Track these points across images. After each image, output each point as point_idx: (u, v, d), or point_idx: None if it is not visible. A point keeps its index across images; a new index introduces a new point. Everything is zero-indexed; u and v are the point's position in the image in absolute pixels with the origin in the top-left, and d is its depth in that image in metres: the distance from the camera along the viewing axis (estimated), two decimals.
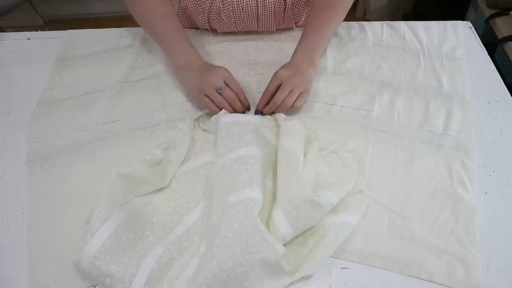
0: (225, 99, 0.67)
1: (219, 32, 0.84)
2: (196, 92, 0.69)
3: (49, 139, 0.67)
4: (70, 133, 0.68)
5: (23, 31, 0.88)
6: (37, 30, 0.89)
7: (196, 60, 0.72)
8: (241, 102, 0.69)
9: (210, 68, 0.70)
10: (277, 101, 0.66)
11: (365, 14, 2.24)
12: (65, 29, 0.88)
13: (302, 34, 0.74)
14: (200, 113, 0.69)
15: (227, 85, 0.68)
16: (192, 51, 0.72)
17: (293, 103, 0.67)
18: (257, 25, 0.82)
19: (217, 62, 0.79)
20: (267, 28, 0.83)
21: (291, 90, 0.66)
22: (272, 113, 0.69)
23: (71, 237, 0.55)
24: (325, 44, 0.75)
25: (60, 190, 0.61)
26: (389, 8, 2.11)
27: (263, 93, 0.69)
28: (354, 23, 0.87)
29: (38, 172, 0.63)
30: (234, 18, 0.79)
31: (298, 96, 0.67)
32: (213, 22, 0.81)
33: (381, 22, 0.87)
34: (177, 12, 0.84)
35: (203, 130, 0.68)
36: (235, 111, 0.68)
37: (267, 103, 0.68)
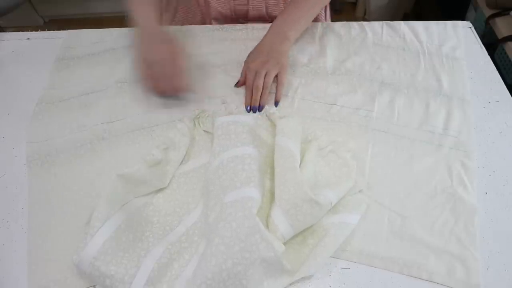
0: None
1: (211, 5, 0.85)
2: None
3: (49, 139, 0.67)
4: (70, 133, 0.68)
5: (23, 31, 0.88)
6: (37, 30, 0.89)
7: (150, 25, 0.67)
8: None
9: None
10: (258, 85, 0.68)
11: (365, 14, 2.24)
12: (65, 29, 0.88)
13: (281, 11, 0.75)
14: (197, 112, 0.69)
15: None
16: (150, 17, 0.67)
17: (280, 80, 0.70)
18: (247, 1, 0.84)
19: (217, 62, 0.79)
20: (257, 6, 0.84)
21: (266, 73, 0.69)
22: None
23: (71, 237, 0.55)
24: (304, 22, 0.74)
25: (60, 190, 0.61)
26: (389, 8, 2.11)
27: (246, 88, 0.71)
28: (354, 23, 0.87)
29: (38, 172, 0.63)
30: None
31: (277, 74, 0.70)
32: None
33: (381, 22, 0.87)
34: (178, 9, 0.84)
35: (204, 130, 0.68)
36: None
37: (251, 95, 0.70)
